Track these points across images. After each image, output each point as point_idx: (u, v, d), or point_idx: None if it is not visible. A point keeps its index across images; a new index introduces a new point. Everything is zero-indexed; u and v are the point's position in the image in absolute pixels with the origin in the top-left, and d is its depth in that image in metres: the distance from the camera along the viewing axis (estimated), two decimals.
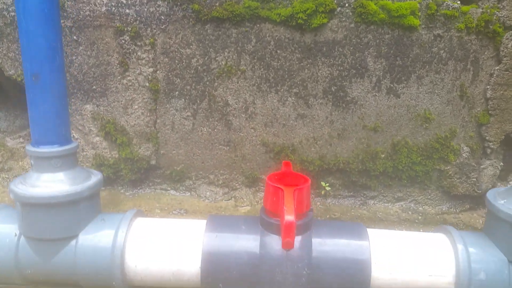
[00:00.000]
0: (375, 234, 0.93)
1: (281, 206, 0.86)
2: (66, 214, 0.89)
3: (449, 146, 1.28)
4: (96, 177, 0.95)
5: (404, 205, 1.34)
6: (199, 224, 0.95)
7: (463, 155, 1.29)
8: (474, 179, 1.31)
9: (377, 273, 0.89)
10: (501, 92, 1.22)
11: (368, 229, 0.95)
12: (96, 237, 0.91)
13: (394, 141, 1.28)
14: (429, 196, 1.34)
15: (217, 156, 1.32)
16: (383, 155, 1.29)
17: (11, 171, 1.38)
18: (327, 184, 1.33)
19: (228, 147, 1.31)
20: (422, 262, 0.89)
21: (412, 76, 1.23)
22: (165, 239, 0.92)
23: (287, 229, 0.81)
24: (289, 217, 0.81)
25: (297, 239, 0.89)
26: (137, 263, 0.90)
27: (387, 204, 1.34)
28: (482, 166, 1.30)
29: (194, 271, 0.90)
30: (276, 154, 1.30)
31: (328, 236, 0.91)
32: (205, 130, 1.30)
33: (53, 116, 0.88)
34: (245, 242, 0.90)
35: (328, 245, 0.90)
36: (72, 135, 1.30)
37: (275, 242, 0.89)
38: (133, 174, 1.33)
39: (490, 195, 0.93)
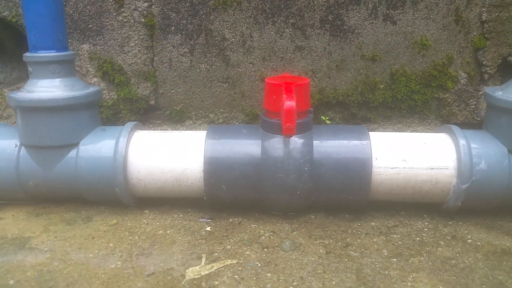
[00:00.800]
0: (377, 135, 0.95)
1: (282, 101, 0.87)
2: (66, 120, 0.91)
3: (446, 73, 1.30)
4: (94, 88, 0.97)
5: None
6: (200, 134, 0.97)
7: (461, 81, 1.31)
8: (473, 106, 1.33)
9: (379, 169, 0.91)
10: (496, 14, 1.25)
11: (370, 132, 0.96)
12: (97, 146, 0.93)
13: (392, 70, 1.30)
14: (429, 126, 1.36)
15: (216, 93, 1.34)
16: (382, 86, 1.31)
17: (10, 119, 1.39)
18: (327, 118, 1.34)
19: (227, 84, 1.33)
20: (424, 157, 0.91)
21: (408, 1, 1.25)
22: (166, 146, 0.94)
23: (288, 114, 0.82)
24: (289, 102, 0.82)
25: (298, 138, 0.91)
26: (140, 168, 0.92)
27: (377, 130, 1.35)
28: (480, 93, 1.32)
29: (197, 174, 0.92)
30: None
31: (329, 136, 0.93)
32: (203, 67, 1.31)
33: (49, 20, 0.91)
34: (247, 144, 0.92)
35: (329, 144, 0.92)
36: None
37: (276, 141, 0.91)
38: (133, 115, 1.34)
39: (488, 89, 0.95)
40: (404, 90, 1.31)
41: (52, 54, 0.91)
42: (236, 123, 1.36)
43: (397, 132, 1.00)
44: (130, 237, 0.89)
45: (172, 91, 1.34)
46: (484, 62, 1.29)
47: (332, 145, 0.92)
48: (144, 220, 0.95)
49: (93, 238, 0.89)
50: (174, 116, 1.37)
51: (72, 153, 0.93)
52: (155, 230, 0.92)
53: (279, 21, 1.27)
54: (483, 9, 1.26)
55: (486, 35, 1.28)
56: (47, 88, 0.91)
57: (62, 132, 0.92)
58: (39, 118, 0.90)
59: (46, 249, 0.85)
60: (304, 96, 0.92)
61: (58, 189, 0.95)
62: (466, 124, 1.35)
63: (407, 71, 1.30)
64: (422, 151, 0.92)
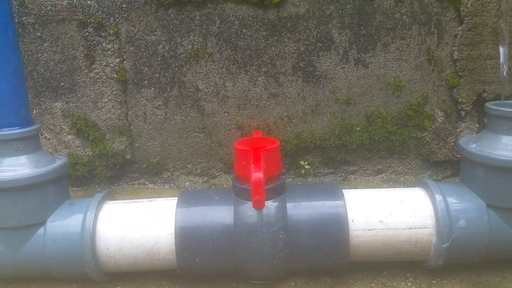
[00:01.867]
0: (351, 194, 0.89)
1: (250, 169, 0.81)
2: (32, 199, 0.84)
3: (422, 112, 1.25)
4: (61, 160, 0.90)
5: (385, 177, 1.30)
6: (171, 202, 0.90)
7: (438, 119, 1.26)
8: (452, 144, 1.27)
9: (356, 231, 0.84)
10: (467, 52, 1.20)
11: (343, 190, 0.90)
12: (64, 222, 0.86)
13: (367, 113, 1.25)
14: (409, 166, 1.30)
15: (193, 144, 1.28)
16: (358, 128, 1.26)
17: None
18: (306, 163, 1.28)
19: (203, 134, 1.27)
20: (402, 216, 0.85)
21: (378, 44, 1.21)
22: (136, 219, 0.87)
23: (255, 186, 0.76)
24: (257, 174, 0.76)
25: (271, 203, 0.84)
26: (109, 245, 0.85)
27: (368, 178, 1.30)
28: (458, 130, 1.27)
29: (169, 248, 0.85)
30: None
31: (303, 199, 0.87)
32: (178, 118, 1.25)
33: (11, 96, 0.84)
34: (219, 212, 0.85)
35: (304, 207, 0.85)
36: (44, 135, 1.26)
37: (249, 208, 0.84)
38: (109, 171, 1.28)
39: (462, 142, 0.89)
40: (381, 132, 1.26)
41: (15, 131, 0.85)
42: (215, 172, 1.30)
43: (372, 189, 0.94)
44: None
45: (148, 144, 1.28)
46: (459, 100, 1.24)
47: (306, 208, 0.86)
48: None
49: None
50: (151, 169, 1.30)
51: (40, 231, 0.86)
52: None
53: (252, 70, 1.22)
54: (454, 48, 1.21)
55: (459, 73, 1.23)
56: (11, 167, 0.85)
57: (28, 212, 0.85)
58: (3, 199, 0.84)
59: None
60: (275, 159, 0.86)
61: (26, 270, 0.88)
62: (446, 162, 1.30)
63: (383, 112, 1.25)
64: (399, 210, 0.86)
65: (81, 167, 1.27)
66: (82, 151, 1.27)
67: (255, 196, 0.76)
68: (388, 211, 0.85)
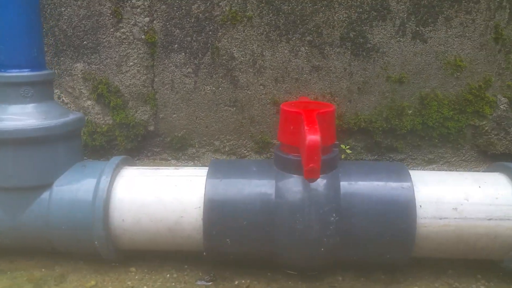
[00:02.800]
0: (418, 175, 0.71)
1: (302, 133, 0.64)
2: (37, 156, 0.68)
3: (483, 97, 1.07)
4: (75, 115, 0.74)
5: (436, 168, 1.12)
6: (200, 171, 0.74)
7: (501, 107, 1.07)
8: None
9: (423, 220, 0.67)
10: None
11: (410, 171, 0.72)
12: (74, 187, 0.70)
13: (422, 94, 1.07)
14: (464, 157, 1.12)
15: (222, 119, 1.11)
16: (410, 111, 1.08)
17: None
18: (348, 147, 1.11)
19: (234, 108, 1.10)
20: (480, 204, 0.67)
21: (440, 17, 1.03)
22: (159, 188, 0.70)
23: (311, 151, 0.59)
24: (313, 137, 0.59)
25: (322, 178, 0.67)
26: (125, 216, 0.68)
27: (416, 168, 1.12)
28: None
29: (195, 224, 0.68)
30: None
31: (360, 177, 0.69)
32: (209, 88, 1.09)
33: (22, 31, 0.68)
34: (257, 185, 0.68)
35: (361, 186, 0.68)
36: (61, 99, 1.11)
37: (294, 183, 0.67)
38: (129, 142, 1.12)
39: None
40: (435, 116, 1.08)
41: (24, 74, 0.69)
42: (244, 151, 1.14)
43: (442, 172, 0.76)
44: None
45: (174, 115, 1.12)
46: None
47: (364, 189, 0.68)
48: (129, 282, 0.71)
49: None
50: (175, 144, 1.14)
51: (45, 195, 0.70)
52: None
53: (294, 38, 1.05)
54: None
55: None
56: (17, 116, 0.69)
57: (32, 170, 0.69)
58: (4, 152, 0.68)
59: None
60: (329, 127, 0.69)
61: (27, 240, 0.72)
62: (506, 155, 1.11)
63: (439, 95, 1.07)
64: (477, 196, 0.68)
65: (99, 137, 1.11)
66: (101, 119, 1.11)
67: (309, 163, 0.58)
68: (464, 197, 0.67)
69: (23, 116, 0.68)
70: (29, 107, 0.70)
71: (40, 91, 0.70)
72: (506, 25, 1.03)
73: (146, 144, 1.15)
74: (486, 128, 1.09)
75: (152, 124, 1.12)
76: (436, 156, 1.12)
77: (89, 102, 1.11)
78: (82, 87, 1.10)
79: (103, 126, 1.12)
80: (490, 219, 0.67)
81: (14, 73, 0.68)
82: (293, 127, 0.67)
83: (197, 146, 1.15)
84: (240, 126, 1.12)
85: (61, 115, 0.72)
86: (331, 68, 1.07)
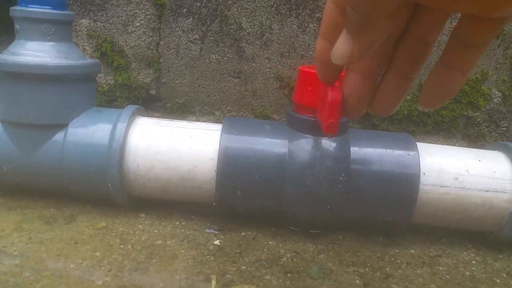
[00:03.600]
0: (423, 146, 0.77)
1: (322, 92, 0.69)
2: (56, 94, 0.71)
3: (479, 89, 1.14)
4: (93, 60, 0.77)
5: None
6: (214, 126, 0.78)
7: (494, 100, 1.15)
8: (504, 128, 1.17)
9: (426, 186, 0.73)
10: None
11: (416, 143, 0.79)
12: (89, 130, 0.73)
13: (421, 81, 1.13)
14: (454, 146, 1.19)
15: (225, 89, 1.15)
16: (408, 97, 1.14)
17: None
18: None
19: (238, 79, 1.14)
20: (478, 176, 0.73)
21: None
22: (173, 138, 0.74)
23: (332, 107, 0.63)
24: (335, 93, 0.63)
25: (333, 141, 0.72)
26: (140, 162, 0.72)
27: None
28: None
29: (208, 175, 0.72)
30: (291, 90, 1.14)
31: (369, 143, 0.75)
32: (214, 57, 1.13)
33: None
34: (270, 142, 0.73)
35: (370, 152, 0.73)
36: None
37: (307, 142, 0.72)
38: (129, 104, 1.14)
39: None
40: None
41: (46, 10, 0.71)
42: None
43: (446, 145, 0.83)
44: (122, 246, 0.69)
45: (177, 81, 1.15)
46: None
47: (372, 154, 0.74)
48: (139, 226, 0.75)
49: (76, 243, 0.68)
50: (175, 110, 1.17)
51: (59, 135, 0.73)
52: (152, 239, 0.71)
53: (304, 14, 1.10)
54: None
55: None
56: (36, 52, 0.71)
57: (49, 108, 0.72)
58: (22, 87, 0.70)
59: (16, 253, 0.64)
60: None
61: (38, 179, 0.74)
62: None
63: None
64: (476, 169, 0.74)
65: (100, 96, 1.13)
66: (103, 78, 1.13)
67: (329, 119, 0.63)
68: (465, 169, 0.73)
69: (43, 53, 0.71)
70: (49, 45, 0.72)
71: (61, 30, 0.73)
72: (508, 21, 1.10)
73: (146, 107, 1.18)
74: (479, 120, 1.16)
75: (154, 88, 1.15)
76: (428, 143, 1.19)
77: (95, 59, 1.13)
78: (86, 44, 1.12)
79: (104, 85, 1.14)
80: (487, 191, 0.73)
81: (35, 9, 0.70)
82: (311, 88, 0.72)
83: (197, 115, 1.18)
84: (242, 98, 1.16)
85: (80, 57, 0.75)
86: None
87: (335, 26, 0.30)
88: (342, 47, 0.29)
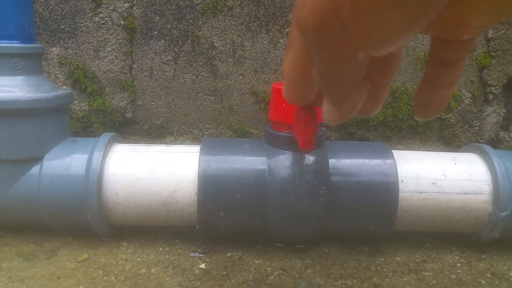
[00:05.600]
0: (399, 153, 0.77)
1: (294, 110, 0.69)
2: (29, 128, 0.69)
3: None
4: (64, 90, 0.75)
5: None
6: (192, 148, 0.77)
7: (465, 101, 1.17)
8: (477, 128, 1.18)
9: (405, 193, 0.73)
10: (503, 31, 1.12)
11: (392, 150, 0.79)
12: (65, 161, 0.71)
13: (393, 88, 1.15)
14: (430, 148, 1.20)
15: (201, 107, 1.14)
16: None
17: None
18: None
19: (213, 97, 1.13)
20: (456, 180, 0.74)
21: None
22: (152, 163, 0.73)
23: (307, 124, 0.63)
24: (310, 111, 0.63)
25: (311, 155, 0.72)
26: (118, 190, 0.70)
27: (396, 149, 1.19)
28: (484, 113, 1.18)
29: (189, 197, 0.71)
30: (267, 104, 1.14)
31: (346, 154, 0.75)
32: (188, 77, 1.12)
33: (12, 1, 0.69)
34: (250, 161, 0.72)
35: (348, 163, 0.73)
36: None
37: (286, 158, 0.71)
38: (106, 129, 1.13)
39: None
40: (405, 109, 1.16)
41: (14, 45, 0.69)
42: None
43: (422, 151, 0.83)
44: (105, 278, 0.67)
45: (152, 103, 1.14)
46: (489, 82, 1.16)
47: (351, 165, 0.73)
48: (122, 255, 0.73)
49: (59, 278, 0.66)
50: (153, 131, 1.16)
51: (35, 169, 0.71)
52: (136, 268, 0.70)
53: (274, 30, 1.10)
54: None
55: (491, 53, 1.14)
56: (6, 87, 0.69)
57: (23, 142, 0.70)
58: None
59: None
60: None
61: (15, 215, 0.72)
62: None
63: (409, 88, 1.15)
64: (453, 172, 0.75)
65: (75, 123, 1.11)
66: (77, 105, 1.12)
67: (305, 135, 0.63)
68: (442, 173, 0.74)
69: (13, 88, 0.69)
70: (19, 79, 0.70)
71: (31, 64, 0.71)
72: None
73: (123, 131, 1.16)
74: (452, 121, 1.18)
75: (130, 111, 1.13)
76: (405, 147, 1.20)
77: (64, 88, 1.11)
78: (57, 72, 1.10)
79: (79, 112, 1.12)
80: (465, 193, 0.74)
81: (4, 44, 0.69)
82: (286, 105, 0.71)
83: (175, 135, 1.17)
84: (219, 115, 1.16)
85: (52, 89, 0.73)
86: None
87: (303, 55, 0.29)
88: (330, 117, 0.30)
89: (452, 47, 0.27)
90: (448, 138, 1.20)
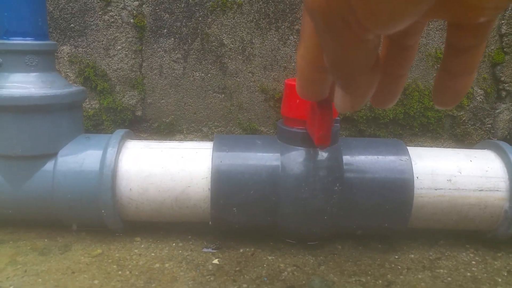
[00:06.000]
0: (414, 150, 0.77)
1: (309, 106, 0.69)
2: (42, 124, 0.69)
3: None
4: (78, 87, 0.76)
5: None
6: (205, 144, 0.77)
7: (477, 98, 1.16)
8: (489, 125, 1.18)
9: (421, 190, 0.73)
10: None
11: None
12: (79, 157, 0.71)
13: (405, 85, 1.14)
14: (442, 146, 1.20)
15: (211, 105, 1.15)
16: None
17: None
18: None
19: (223, 95, 1.14)
20: (471, 176, 0.74)
21: None
22: (165, 159, 0.73)
23: (322, 119, 0.63)
24: (325, 106, 0.63)
25: (325, 151, 0.72)
26: (132, 186, 0.71)
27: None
28: (497, 111, 1.18)
29: (202, 194, 0.71)
30: (276, 102, 1.14)
31: (360, 151, 0.75)
32: (198, 75, 1.12)
33: None
34: (263, 157, 0.72)
35: (362, 159, 0.73)
36: None
37: (300, 155, 0.72)
38: (116, 127, 1.13)
39: None
40: (417, 106, 1.15)
41: (29, 42, 0.70)
42: None
43: (437, 148, 0.83)
44: (120, 272, 0.67)
45: (162, 101, 1.14)
46: (502, 78, 1.15)
47: (365, 161, 0.73)
48: (136, 250, 0.73)
49: (73, 272, 0.66)
50: (163, 129, 1.16)
51: (49, 165, 0.71)
52: (150, 263, 0.70)
53: (283, 27, 1.10)
54: (503, 22, 1.12)
55: (505, 49, 1.14)
56: (20, 84, 0.70)
57: (37, 138, 0.70)
58: (8, 120, 0.68)
59: (12, 287, 0.63)
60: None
61: (29, 210, 0.72)
62: None
63: (420, 85, 1.15)
64: (469, 169, 0.75)
65: (85, 121, 1.12)
66: (88, 103, 1.12)
67: (319, 131, 0.63)
68: (457, 170, 0.74)
69: (27, 85, 0.69)
70: (33, 76, 0.71)
71: (45, 60, 0.72)
72: None
73: (133, 129, 1.16)
74: (464, 119, 1.17)
75: (140, 109, 1.14)
76: (416, 145, 1.20)
77: (80, 86, 1.12)
78: (68, 70, 1.11)
79: (90, 110, 1.13)
80: (481, 190, 0.73)
81: (19, 41, 0.69)
82: (299, 101, 0.72)
83: (185, 132, 1.17)
84: (229, 113, 1.16)
85: (65, 85, 0.74)
86: None
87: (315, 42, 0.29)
88: (341, 104, 0.30)
89: (467, 32, 0.27)
90: (460, 136, 1.20)
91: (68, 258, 0.70)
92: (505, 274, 0.71)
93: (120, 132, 0.75)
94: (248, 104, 1.15)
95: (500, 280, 0.69)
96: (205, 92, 1.14)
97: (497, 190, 0.73)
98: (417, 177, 0.73)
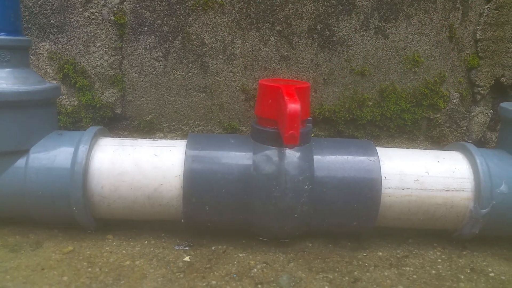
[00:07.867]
0: (383, 151, 0.79)
1: (282, 104, 0.70)
2: (15, 120, 0.70)
3: (438, 92, 1.17)
4: (51, 84, 0.76)
5: None
6: (179, 143, 0.78)
7: (453, 101, 1.18)
8: (465, 128, 1.20)
9: (388, 190, 0.74)
10: (491, 32, 1.13)
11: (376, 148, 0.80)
12: (51, 153, 0.72)
13: (382, 87, 1.16)
14: (418, 148, 1.22)
15: (191, 104, 1.15)
16: (370, 103, 1.17)
17: None
18: (312, 135, 1.18)
19: (204, 94, 1.15)
20: (438, 177, 0.75)
21: (401, 14, 1.13)
22: (138, 157, 0.74)
23: (292, 119, 0.65)
24: (294, 105, 0.65)
25: (296, 151, 0.73)
26: (104, 183, 0.71)
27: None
28: (472, 114, 1.20)
29: (174, 192, 0.72)
30: None
31: (331, 151, 0.76)
32: (178, 73, 1.13)
33: None
34: (235, 156, 0.73)
35: (332, 159, 0.74)
36: None
37: (271, 154, 0.73)
38: (95, 124, 1.14)
39: (504, 104, 0.82)
40: (393, 108, 1.17)
41: (1, 37, 0.70)
42: None
43: (406, 149, 0.85)
44: (90, 269, 0.68)
45: (142, 99, 1.14)
46: (476, 82, 1.18)
47: (335, 161, 0.75)
48: (107, 248, 0.74)
49: (43, 269, 0.67)
50: (143, 127, 1.17)
51: (21, 162, 0.72)
52: (120, 260, 0.71)
53: (264, 27, 1.11)
54: (478, 27, 1.14)
55: (479, 54, 1.16)
56: None
57: (8, 135, 0.70)
58: None
59: None
60: (305, 102, 0.75)
61: (1, 207, 0.73)
62: None
63: (397, 88, 1.17)
64: (436, 169, 0.76)
65: (64, 118, 1.12)
66: (67, 100, 1.12)
67: (289, 130, 0.64)
68: (425, 170, 0.75)
69: (0, 80, 0.70)
70: (6, 72, 0.71)
71: (18, 56, 0.72)
72: (459, 25, 1.14)
73: (112, 126, 1.17)
74: (440, 121, 1.19)
75: (120, 106, 1.14)
76: (393, 146, 1.22)
77: (54, 82, 1.12)
78: (47, 67, 1.11)
79: (68, 107, 1.13)
80: (447, 190, 0.75)
81: None
82: (272, 101, 0.73)
83: (165, 131, 1.18)
84: (209, 112, 1.17)
85: (39, 82, 0.74)
86: (298, 59, 1.13)
87: None
88: None
89: None
90: (436, 138, 1.22)
91: (39, 255, 0.70)
92: (468, 271, 0.73)
93: (93, 129, 0.76)
94: (229, 103, 1.16)
95: (462, 277, 0.71)
96: (185, 91, 1.14)
97: (463, 190, 0.75)
98: (385, 177, 0.74)
